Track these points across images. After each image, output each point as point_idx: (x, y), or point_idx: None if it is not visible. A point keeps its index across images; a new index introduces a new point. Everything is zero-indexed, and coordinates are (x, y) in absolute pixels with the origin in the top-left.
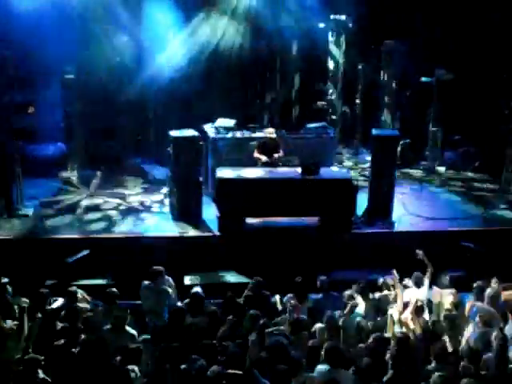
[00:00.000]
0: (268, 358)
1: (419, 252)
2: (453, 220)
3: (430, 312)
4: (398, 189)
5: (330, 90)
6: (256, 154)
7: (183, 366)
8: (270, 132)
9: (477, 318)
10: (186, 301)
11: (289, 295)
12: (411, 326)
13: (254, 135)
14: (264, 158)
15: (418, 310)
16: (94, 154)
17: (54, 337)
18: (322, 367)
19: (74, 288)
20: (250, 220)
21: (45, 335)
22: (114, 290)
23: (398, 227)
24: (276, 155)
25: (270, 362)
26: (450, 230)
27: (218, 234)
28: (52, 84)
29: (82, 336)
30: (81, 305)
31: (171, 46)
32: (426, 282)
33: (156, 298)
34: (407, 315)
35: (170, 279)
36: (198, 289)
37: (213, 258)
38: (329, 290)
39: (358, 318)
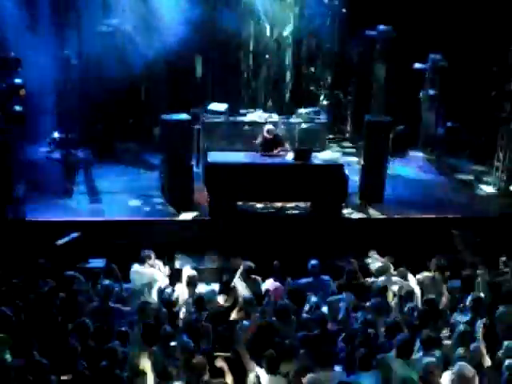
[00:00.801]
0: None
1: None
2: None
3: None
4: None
5: (323, 75)
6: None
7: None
8: (269, 129)
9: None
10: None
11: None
12: None
13: (246, 119)
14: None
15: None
16: (86, 138)
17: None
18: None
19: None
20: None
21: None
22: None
23: (388, 213)
24: (282, 152)
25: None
26: (441, 217)
27: (208, 218)
28: (44, 66)
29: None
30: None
31: (164, 28)
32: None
33: (146, 280)
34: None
35: (161, 262)
36: (193, 272)
37: (203, 241)
38: (319, 274)
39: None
